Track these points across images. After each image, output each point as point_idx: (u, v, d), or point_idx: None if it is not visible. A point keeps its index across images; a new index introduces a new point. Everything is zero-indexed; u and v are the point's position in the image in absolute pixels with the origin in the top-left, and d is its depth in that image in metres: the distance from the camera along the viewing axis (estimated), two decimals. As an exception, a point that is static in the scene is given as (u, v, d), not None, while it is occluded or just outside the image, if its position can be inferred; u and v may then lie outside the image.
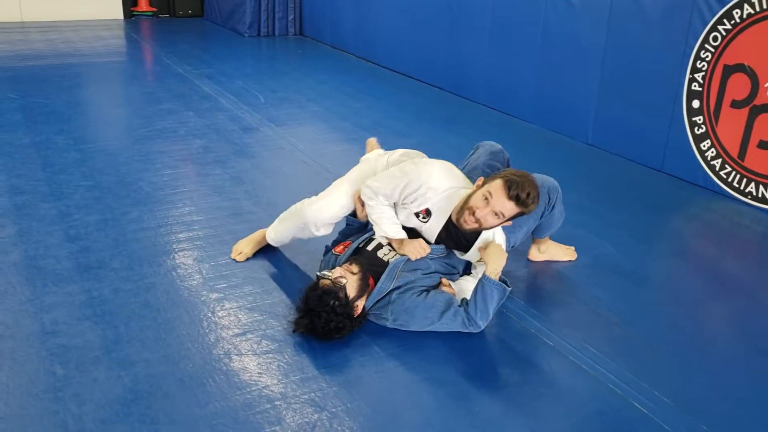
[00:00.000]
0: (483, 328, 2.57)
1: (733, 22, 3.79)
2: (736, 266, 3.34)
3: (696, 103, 4.07)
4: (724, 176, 3.99)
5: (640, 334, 2.68)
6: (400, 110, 5.61)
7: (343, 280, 2.54)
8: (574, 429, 2.15)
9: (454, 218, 2.65)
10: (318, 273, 2.65)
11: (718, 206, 3.96)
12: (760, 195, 3.82)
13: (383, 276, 2.62)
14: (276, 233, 3.10)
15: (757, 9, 3.66)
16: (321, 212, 2.89)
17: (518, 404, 2.24)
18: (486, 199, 2.52)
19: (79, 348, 2.39)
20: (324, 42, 8.27)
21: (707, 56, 3.95)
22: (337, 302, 2.47)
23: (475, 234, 2.67)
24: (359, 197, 2.84)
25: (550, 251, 3.15)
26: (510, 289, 2.57)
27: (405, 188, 2.69)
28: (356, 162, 3.24)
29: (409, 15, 6.59)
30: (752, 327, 2.79)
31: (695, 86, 4.06)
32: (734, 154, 3.91)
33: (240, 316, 2.63)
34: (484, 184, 2.60)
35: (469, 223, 2.57)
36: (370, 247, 2.76)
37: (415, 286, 2.64)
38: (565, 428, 2.15)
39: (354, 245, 2.78)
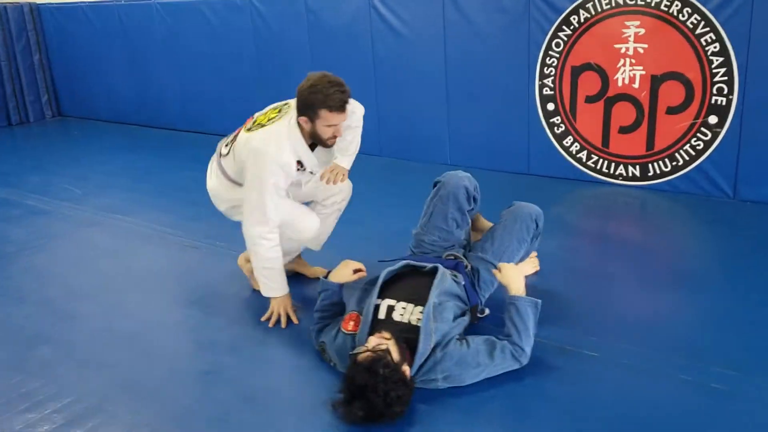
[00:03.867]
0: (529, 355, 2.47)
1: (572, 27, 4.17)
2: (640, 239, 3.68)
3: (551, 106, 4.40)
4: (593, 165, 4.36)
5: (636, 319, 2.79)
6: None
7: (384, 345, 2.28)
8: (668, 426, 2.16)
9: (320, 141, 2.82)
10: (350, 352, 2.34)
11: (595, 192, 4.31)
12: (629, 174, 4.25)
13: (421, 337, 2.39)
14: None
15: (593, 12, 4.08)
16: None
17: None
18: (330, 126, 2.75)
19: None
20: (93, 118, 7.42)
21: (553, 61, 4.30)
22: (386, 369, 2.19)
23: None
24: None
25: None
26: (540, 301, 2.51)
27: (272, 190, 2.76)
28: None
29: (212, 72, 6.23)
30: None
31: (546, 90, 4.39)
32: (598, 143, 4.29)
33: None
34: (311, 123, 2.75)
35: (337, 135, 2.82)
36: (382, 315, 2.50)
37: (452, 336, 2.45)
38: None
39: (367, 317, 2.49)
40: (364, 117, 3.09)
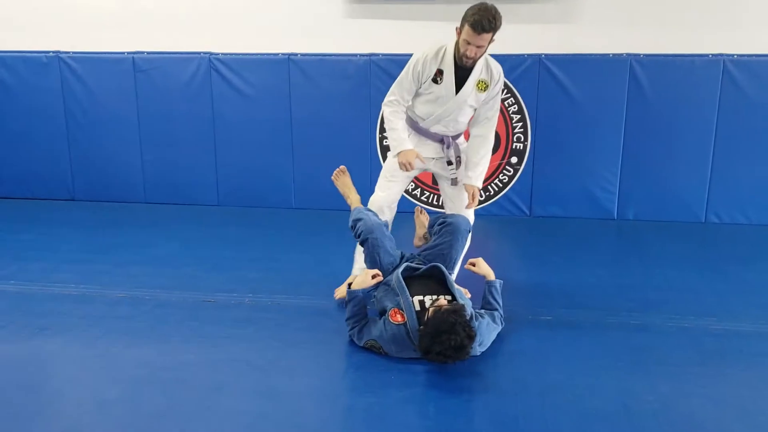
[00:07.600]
0: None
1: (407, 91, 5.28)
2: (471, 248, 4.89)
3: (389, 154, 5.42)
4: (425, 199, 5.49)
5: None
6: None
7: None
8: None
9: (458, 60, 3.39)
10: (431, 308, 3.04)
11: (427, 222, 5.43)
12: (454, 205, 5.47)
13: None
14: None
15: (423, 81, 5.25)
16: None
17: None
18: (468, 43, 3.28)
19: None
20: None
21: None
22: (464, 313, 2.97)
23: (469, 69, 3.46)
24: None
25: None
26: (502, 281, 3.50)
27: (410, 75, 3.51)
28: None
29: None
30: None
31: (385, 141, 5.41)
32: (429, 182, 5.43)
33: None
34: (459, 33, 3.33)
35: (469, 55, 3.33)
36: (417, 307, 3.16)
37: (471, 313, 3.22)
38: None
39: (410, 309, 3.13)
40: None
